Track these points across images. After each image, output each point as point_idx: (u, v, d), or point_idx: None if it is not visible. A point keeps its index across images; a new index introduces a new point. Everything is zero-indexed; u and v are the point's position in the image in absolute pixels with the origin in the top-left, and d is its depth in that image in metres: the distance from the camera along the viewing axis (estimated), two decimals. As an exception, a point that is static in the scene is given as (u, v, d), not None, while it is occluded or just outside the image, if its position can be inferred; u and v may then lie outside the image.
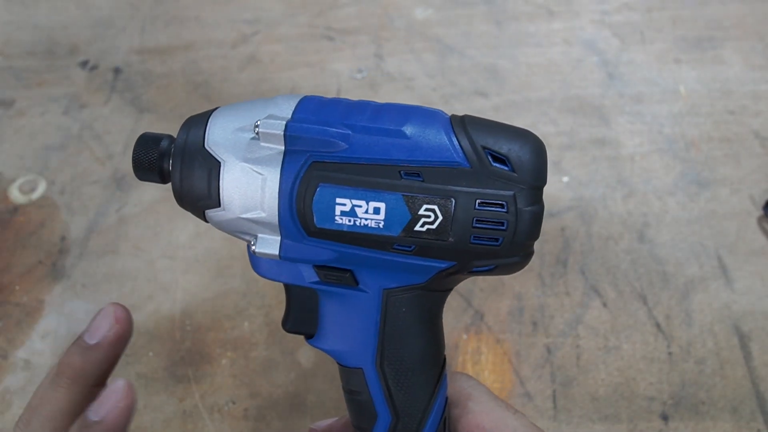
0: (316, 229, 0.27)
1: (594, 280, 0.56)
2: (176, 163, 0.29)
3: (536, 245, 0.58)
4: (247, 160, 0.27)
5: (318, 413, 0.50)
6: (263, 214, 0.27)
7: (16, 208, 0.64)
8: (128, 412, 0.29)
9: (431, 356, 0.31)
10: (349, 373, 0.31)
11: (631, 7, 0.82)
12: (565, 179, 0.64)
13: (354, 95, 0.73)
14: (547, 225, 0.60)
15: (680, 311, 0.54)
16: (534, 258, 0.57)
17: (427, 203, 0.26)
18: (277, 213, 0.27)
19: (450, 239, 0.26)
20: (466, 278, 0.31)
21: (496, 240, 0.27)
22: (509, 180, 0.26)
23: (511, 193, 0.26)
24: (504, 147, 0.26)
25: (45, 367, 0.53)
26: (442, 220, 0.26)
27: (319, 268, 0.29)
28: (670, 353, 0.52)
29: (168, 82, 0.76)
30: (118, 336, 0.30)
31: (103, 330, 0.29)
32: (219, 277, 0.58)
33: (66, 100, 0.74)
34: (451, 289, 0.32)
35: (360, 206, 0.26)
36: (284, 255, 0.28)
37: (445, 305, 0.54)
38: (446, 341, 0.52)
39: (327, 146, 0.26)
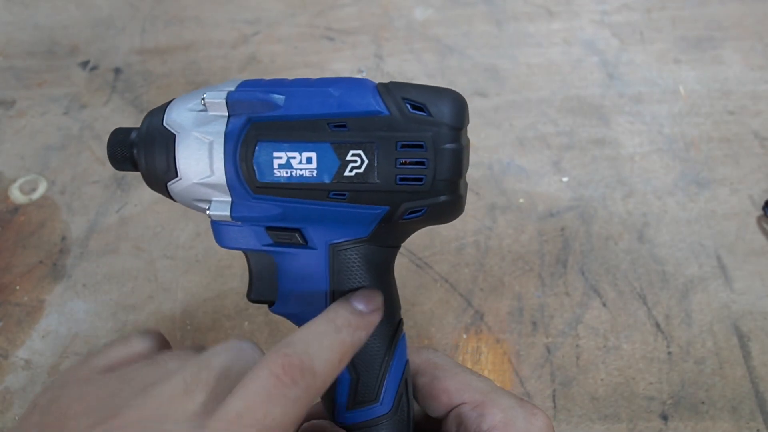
0: (259, 185, 0.30)
1: (594, 280, 0.56)
2: (140, 148, 0.32)
3: (536, 245, 0.58)
4: (196, 129, 0.30)
5: (318, 413, 0.50)
6: (213, 176, 0.30)
7: (16, 208, 0.64)
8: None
9: (384, 313, 0.33)
10: None
11: (630, 7, 0.83)
12: (565, 179, 0.64)
13: (354, 95, 0.73)
14: (546, 225, 0.60)
15: (680, 311, 0.54)
16: (534, 258, 0.57)
17: (353, 149, 0.29)
18: (224, 173, 0.30)
19: (377, 180, 0.29)
20: (409, 232, 0.33)
21: (420, 179, 0.29)
22: (427, 123, 0.29)
23: (429, 133, 0.29)
24: (421, 96, 0.29)
25: (45, 366, 0.53)
26: (368, 164, 0.29)
27: (271, 229, 0.31)
28: (669, 353, 0.52)
29: (168, 82, 0.76)
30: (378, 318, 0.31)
31: (374, 305, 0.31)
32: (219, 277, 0.58)
33: (66, 101, 0.74)
34: (398, 247, 0.34)
35: (294, 158, 0.29)
36: (235, 214, 0.31)
37: (445, 305, 0.54)
38: (446, 341, 0.53)
39: (264, 108, 0.30)
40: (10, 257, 0.60)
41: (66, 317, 0.56)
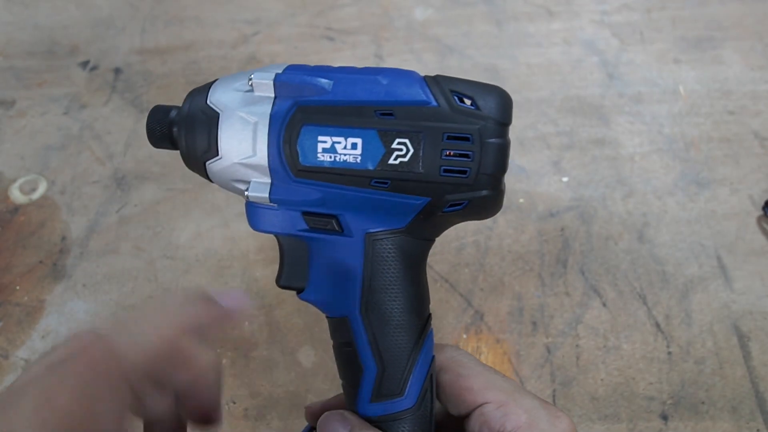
0: (301, 168, 0.30)
1: (594, 280, 0.56)
2: (181, 127, 0.32)
3: (536, 245, 0.58)
4: (241, 109, 0.30)
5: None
6: (255, 157, 0.30)
7: (16, 208, 0.64)
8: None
9: (414, 306, 0.32)
10: (336, 323, 0.33)
11: (630, 7, 0.83)
12: (565, 179, 0.64)
13: (354, 95, 0.73)
14: (547, 225, 0.60)
15: (680, 311, 0.54)
16: (534, 258, 0.57)
17: (399, 137, 0.29)
18: (266, 155, 0.30)
19: (421, 170, 0.29)
20: (446, 226, 0.33)
21: (464, 172, 0.29)
22: (474, 116, 0.29)
23: (476, 126, 0.29)
24: (470, 90, 0.29)
25: (45, 366, 0.53)
26: (413, 153, 0.29)
27: (307, 215, 0.31)
28: (669, 353, 0.52)
29: (168, 82, 0.76)
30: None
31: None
32: (219, 277, 0.58)
33: (66, 101, 0.74)
34: (432, 240, 0.33)
35: (339, 142, 0.29)
36: (274, 197, 0.31)
37: (446, 305, 0.54)
38: (446, 341, 0.53)
39: (311, 92, 0.30)
40: (10, 257, 0.60)
41: (66, 317, 0.56)
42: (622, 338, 0.53)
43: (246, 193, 0.31)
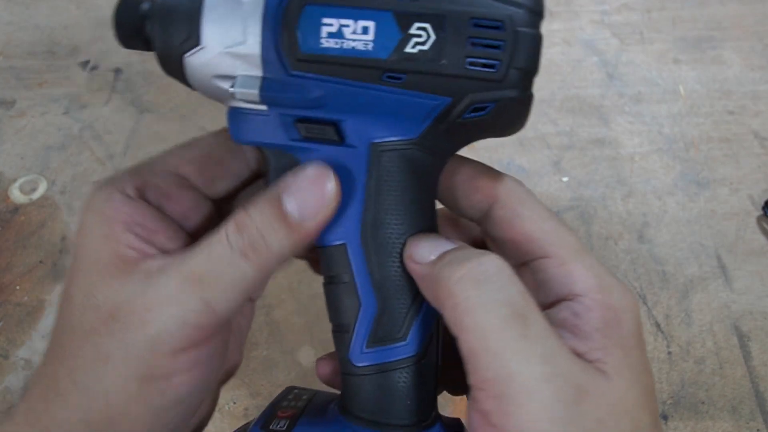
0: (301, 56, 0.25)
1: (594, 280, 0.56)
2: (156, 18, 0.26)
3: (536, 245, 0.58)
4: None
5: (318, 413, 0.50)
6: (245, 45, 0.25)
7: (16, 208, 0.64)
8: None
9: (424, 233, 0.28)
10: (330, 253, 0.28)
11: (630, 8, 0.83)
12: (565, 179, 0.64)
13: (354, 95, 0.73)
14: (546, 225, 0.60)
15: (680, 311, 0.54)
16: (534, 258, 0.57)
17: (419, 21, 0.24)
18: (259, 42, 0.25)
19: (443, 61, 0.24)
20: (463, 141, 0.28)
21: (492, 66, 0.24)
22: (506, 0, 0.24)
23: (508, 12, 0.24)
24: None
25: (45, 366, 0.53)
26: (435, 40, 0.24)
27: (302, 121, 0.26)
28: (669, 353, 0.52)
29: (168, 82, 0.76)
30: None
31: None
32: (219, 277, 0.58)
33: (67, 101, 0.75)
34: (446, 159, 0.29)
35: (347, 26, 0.24)
36: (265, 93, 0.25)
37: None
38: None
39: None
40: (10, 257, 0.60)
41: (66, 317, 0.56)
42: (622, 338, 0.53)
43: (231, 89, 0.26)
